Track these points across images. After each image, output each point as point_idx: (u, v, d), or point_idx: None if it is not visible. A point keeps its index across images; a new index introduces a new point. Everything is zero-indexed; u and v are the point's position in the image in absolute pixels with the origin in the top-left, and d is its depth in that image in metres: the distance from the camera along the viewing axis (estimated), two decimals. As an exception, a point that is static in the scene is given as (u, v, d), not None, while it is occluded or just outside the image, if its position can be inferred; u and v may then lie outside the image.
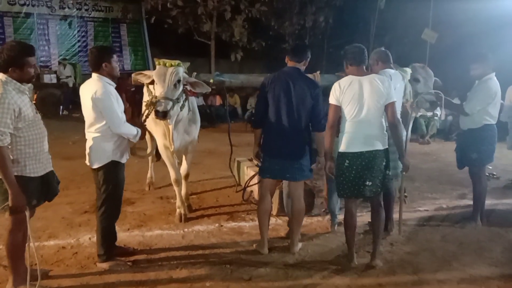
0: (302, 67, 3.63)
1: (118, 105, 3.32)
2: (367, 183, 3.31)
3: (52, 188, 3.11)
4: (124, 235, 4.03)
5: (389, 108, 3.32)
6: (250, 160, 5.27)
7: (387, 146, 3.38)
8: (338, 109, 3.34)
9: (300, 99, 3.50)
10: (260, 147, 3.75)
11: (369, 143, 3.29)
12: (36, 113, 2.95)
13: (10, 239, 2.92)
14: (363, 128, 3.29)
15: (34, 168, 2.90)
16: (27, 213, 2.80)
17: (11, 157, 2.76)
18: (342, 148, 3.36)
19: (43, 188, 3.00)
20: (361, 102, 3.26)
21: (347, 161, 3.32)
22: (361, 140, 3.29)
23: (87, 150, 3.34)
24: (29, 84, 2.95)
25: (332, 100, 3.36)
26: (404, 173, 3.82)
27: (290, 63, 3.64)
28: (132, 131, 3.39)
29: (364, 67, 3.41)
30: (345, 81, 3.33)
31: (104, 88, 3.23)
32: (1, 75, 2.78)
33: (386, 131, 3.41)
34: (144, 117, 3.78)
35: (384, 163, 3.36)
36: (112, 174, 3.35)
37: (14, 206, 2.75)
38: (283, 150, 3.57)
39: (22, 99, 2.80)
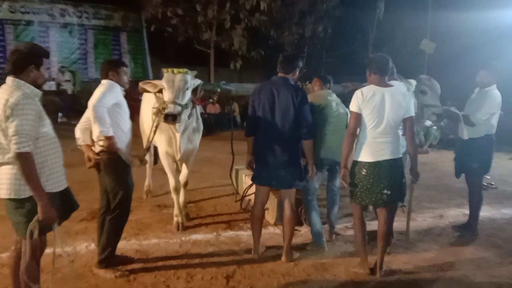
0: (291, 76, 3.67)
1: (119, 109, 3.34)
2: (385, 191, 3.31)
3: (73, 203, 2.85)
4: (121, 244, 3.98)
5: (407, 122, 3.34)
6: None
7: (401, 155, 3.41)
8: (359, 116, 3.32)
9: (284, 107, 3.53)
10: (253, 155, 3.78)
11: (386, 152, 3.30)
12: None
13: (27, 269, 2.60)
14: (380, 138, 3.29)
15: (53, 182, 2.62)
16: (56, 227, 2.58)
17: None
18: (359, 157, 3.36)
19: (64, 205, 2.73)
20: (381, 114, 3.27)
21: (364, 170, 3.32)
22: (378, 149, 3.29)
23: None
24: (41, 92, 2.63)
25: (353, 107, 3.34)
26: (414, 184, 3.84)
27: (279, 74, 3.71)
28: (103, 122, 3.15)
29: (387, 78, 3.42)
30: (367, 90, 3.31)
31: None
32: (10, 79, 2.47)
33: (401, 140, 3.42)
34: (154, 128, 3.88)
35: (400, 171, 3.38)
36: (119, 177, 3.38)
37: (44, 220, 2.47)
38: (268, 158, 3.62)
39: (39, 105, 2.50)
